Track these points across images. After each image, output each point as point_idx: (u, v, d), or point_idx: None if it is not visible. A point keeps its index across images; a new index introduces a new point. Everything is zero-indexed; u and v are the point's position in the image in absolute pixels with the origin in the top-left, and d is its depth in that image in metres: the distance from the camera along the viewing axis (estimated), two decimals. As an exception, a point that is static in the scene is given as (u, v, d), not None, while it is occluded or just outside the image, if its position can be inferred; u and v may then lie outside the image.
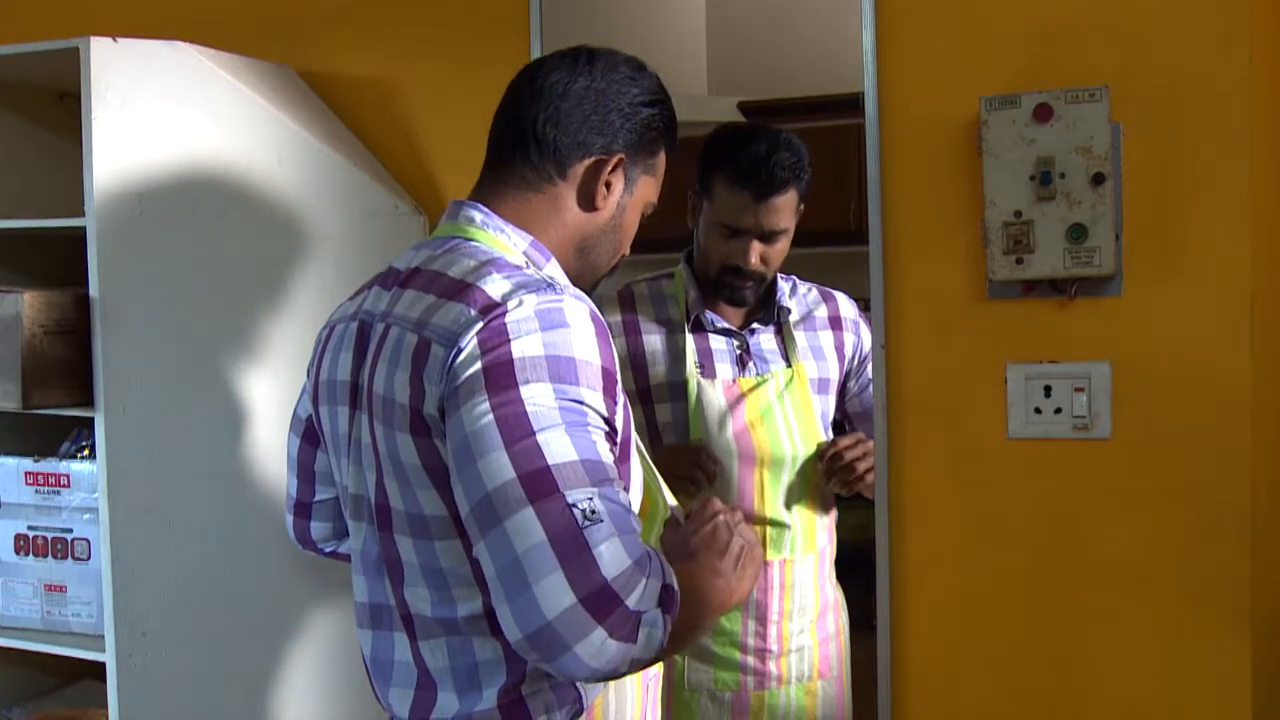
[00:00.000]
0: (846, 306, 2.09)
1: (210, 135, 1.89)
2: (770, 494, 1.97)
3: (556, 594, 1.08)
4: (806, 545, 2.00)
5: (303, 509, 1.56)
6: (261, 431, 1.95)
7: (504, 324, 1.20)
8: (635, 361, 1.99)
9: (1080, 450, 1.77)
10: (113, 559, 1.75)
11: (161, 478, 1.82)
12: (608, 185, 1.37)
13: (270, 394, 1.96)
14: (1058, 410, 1.77)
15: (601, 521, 1.11)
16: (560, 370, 1.18)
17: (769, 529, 1.97)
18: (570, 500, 1.11)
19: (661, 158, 1.44)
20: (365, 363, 1.32)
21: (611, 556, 1.10)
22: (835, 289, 2.11)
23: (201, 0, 2.27)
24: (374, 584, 1.35)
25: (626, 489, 1.27)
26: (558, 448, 1.14)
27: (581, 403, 1.18)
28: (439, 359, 1.21)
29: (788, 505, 1.98)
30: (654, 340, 2.00)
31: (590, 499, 1.12)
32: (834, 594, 2.05)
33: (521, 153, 1.35)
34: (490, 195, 1.37)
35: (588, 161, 1.36)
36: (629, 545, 1.12)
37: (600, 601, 1.08)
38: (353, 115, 2.17)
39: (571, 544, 1.09)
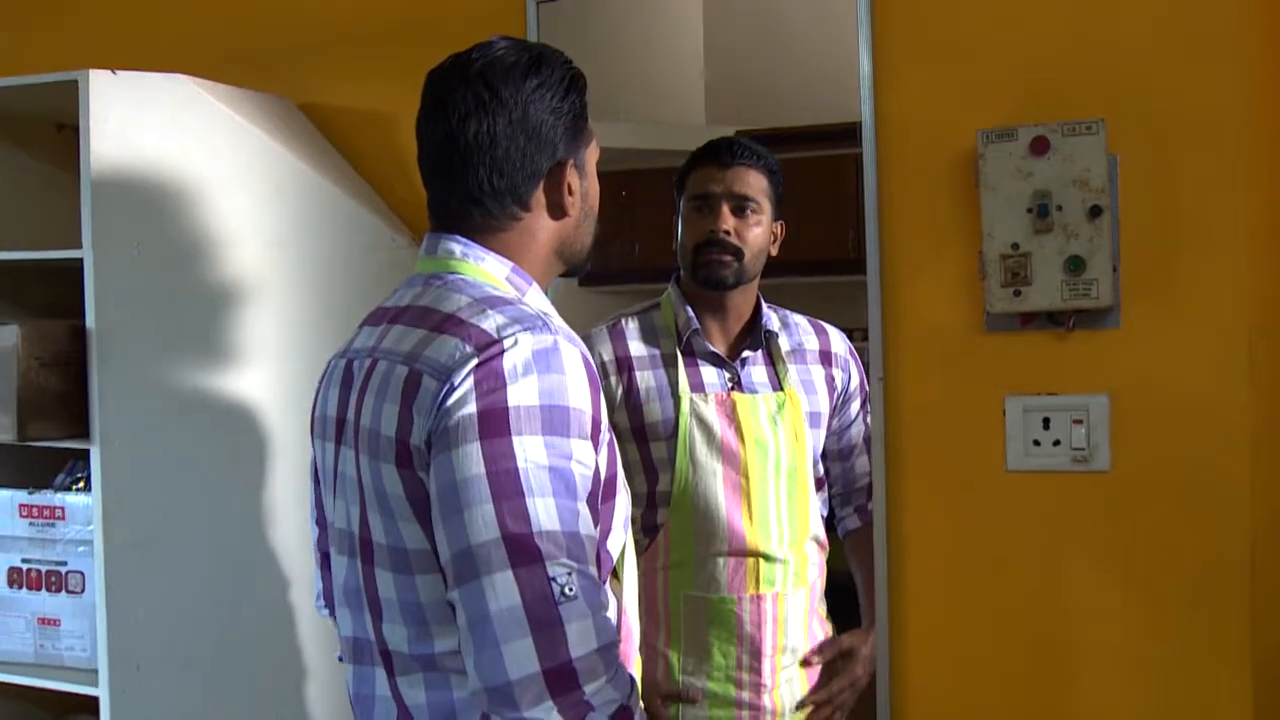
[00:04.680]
0: (838, 341, 2.08)
1: (208, 167, 1.88)
2: (761, 527, 1.95)
3: (522, 659, 1.13)
4: (798, 580, 1.98)
5: (325, 560, 1.55)
6: (258, 465, 1.94)
7: (500, 367, 1.20)
8: (631, 400, 1.98)
9: (1079, 483, 1.76)
10: (107, 592, 1.74)
11: (157, 510, 1.80)
12: (569, 187, 1.37)
13: (267, 427, 1.95)
14: (1056, 442, 1.76)
15: (575, 599, 1.15)
16: (554, 421, 1.20)
17: (761, 562, 1.95)
18: (550, 573, 1.15)
19: (588, 117, 1.42)
20: (351, 397, 1.32)
21: (578, 637, 1.15)
22: (833, 320, 2.10)
23: (200, 33, 2.28)
24: (356, 618, 1.35)
25: (609, 528, 1.30)
26: (545, 516, 1.16)
27: (571, 458, 1.20)
28: (430, 392, 1.21)
29: (779, 539, 1.96)
30: (648, 377, 1.99)
31: (569, 574, 1.16)
32: (822, 630, 2.04)
33: (478, 210, 1.34)
34: (463, 231, 1.36)
35: (544, 183, 1.36)
36: (600, 627, 1.17)
37: (560, 678, 1.14)
38: (351, 148, 2.17)
39: (544, 615, 1.14)
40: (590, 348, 1.97)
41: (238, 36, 2.26)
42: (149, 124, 1.81)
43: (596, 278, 2.14)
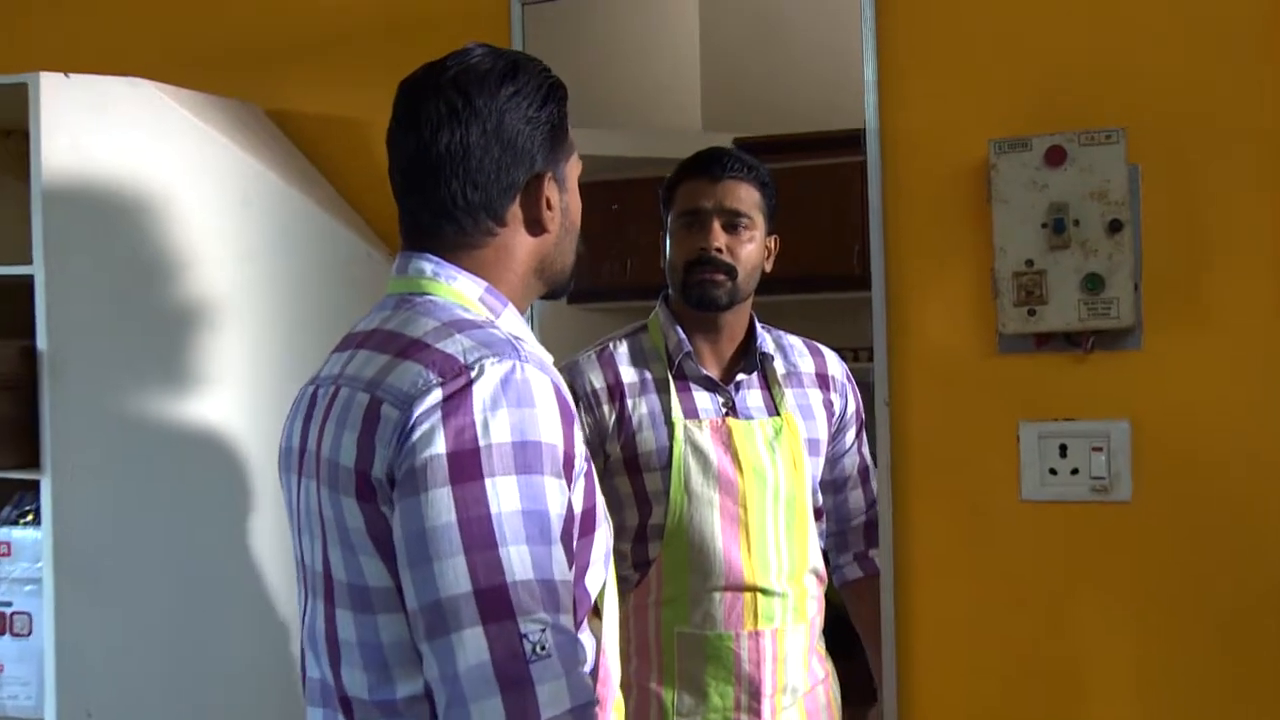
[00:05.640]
0: (835, 365, 2.04)
1: (170, 177, 1.84)
2: (759, 560, 1.89)
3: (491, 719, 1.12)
4: (798, 614, 1.92)
5: None
6: (223, 498, 1.89)
7: (469, 402, 1.16)
8: (624, 429, 1.93)
9: (1099, 514, 1.73)
10: (56, 634, 1.69)
11: (111, 547, 1.76)
12: (548, 202, 1.33)
13: (234, 456, 1.89)
14: (1074, 471, 1.74)
15: (549, 657, 1.13)
16: (527, 459, 1.17)
17: (759, 596, 1.89)
18: (523, 630, 1.13)
19: (569, 129, 1.38)
20: (312, 427, 1.29)
21: (550, 697, 1.13)
22: (835, 340, 2.05)
23: (161, 34, 2.25)
24: (320, 661, 1.32)
25: (588, 564, 1.28)
26: (519, 565, 1.14)
27: (545, 498, 1.18)
28: (392, 421, 1.18)
29: (778, 572, 1.90)
30: (640, 403, 1.94)
31: (543, 630, 1.14)
32: (821, 668, 1.98)
33: (451, 225, 1.30)
34: (435, 249, 1.32)
35: (520, 197, 1.32)
36: (573, 687, 1.14)
37: None
38: (323, 157, 2.13)
39: (515, 674, 1.12)
40: (579, 375, 1.93)
41: (202, 38, 2.22)
42: (106, 130, 1.77)
43: (586, 295, 2.09)
